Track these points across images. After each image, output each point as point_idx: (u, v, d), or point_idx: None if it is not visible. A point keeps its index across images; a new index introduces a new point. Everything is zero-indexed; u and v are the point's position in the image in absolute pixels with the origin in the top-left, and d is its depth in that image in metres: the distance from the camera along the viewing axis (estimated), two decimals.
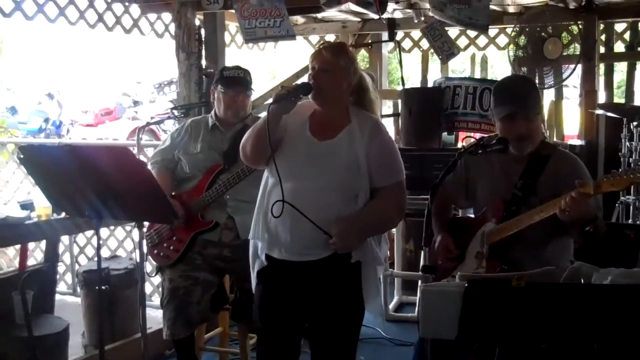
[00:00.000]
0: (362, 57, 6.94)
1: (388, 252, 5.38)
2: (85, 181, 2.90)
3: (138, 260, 3.14)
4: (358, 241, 2.94)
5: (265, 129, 2.83)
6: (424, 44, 6.23)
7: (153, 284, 5.63)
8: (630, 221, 5.15)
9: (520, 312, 2.08)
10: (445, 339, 2.24)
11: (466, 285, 2.10)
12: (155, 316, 4.56)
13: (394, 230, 5.71)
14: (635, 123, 5.05)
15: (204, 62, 5.30)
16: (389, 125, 7.25)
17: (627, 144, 5.15)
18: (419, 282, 2.47)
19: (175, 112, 4.48)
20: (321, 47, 3.06)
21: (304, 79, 3.12)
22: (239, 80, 3.81)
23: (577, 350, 2.13)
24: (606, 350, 2.08)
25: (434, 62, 6.52)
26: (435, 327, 2.25)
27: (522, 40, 5.24)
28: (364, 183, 2.93)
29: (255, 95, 4.53)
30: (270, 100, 2.90)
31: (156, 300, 5.21)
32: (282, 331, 3.08)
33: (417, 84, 6.43)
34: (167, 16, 5.90)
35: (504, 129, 2.98)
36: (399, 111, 5.69)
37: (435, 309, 2.22)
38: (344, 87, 2.99)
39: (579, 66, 5.30)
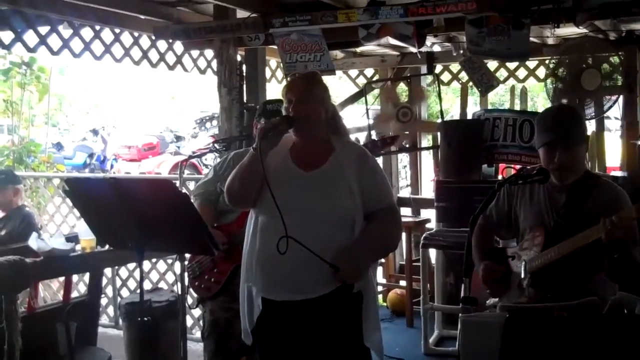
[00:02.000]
0: (401, 90, 6.96)
1: (428, 285, 5.41)
2: (127, 213, 2.94)
3: (179, 292, 3.17)
4: (364, 268, 2.89)
5: (257, 163, 2.76)
6: (463, 76, 6.23)
7: (194, 317, 5.66)
8: None
9: (563, 343, 2.06)
10: None
11: (507, 315, 2.08)
12: (196, 349, 4.58)
13: (434, 262, 5.69)
14: None
15: (245, 97, 5.37)
16: (428, 157, 7.26)
17: None
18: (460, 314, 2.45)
19: (217, 146, 4.53)
20: (293, 78, 3.05)
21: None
22: (280, 113, 3.85)
23: None
24: None
25: (474, 94, 6.54)
26: (476, 358, 2.23)
27: (561, 72, 5.21)
28: (359, 209, 2.88)
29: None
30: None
31: (197, 333, 5.24)
32: None
33: (456, 116, 6.43)
34: (209, 52, 6.02)
35: (544, 157, 2.98)
36: (438, 144, 5.69)
37: (476, 340, 2.21)
38: (323, 115, 2.96)
39: (620, 97, 5.25)
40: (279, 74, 6.83)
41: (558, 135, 2.93)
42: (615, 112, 5.75)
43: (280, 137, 2.88)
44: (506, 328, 2.07)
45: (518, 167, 5.12)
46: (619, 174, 5.36)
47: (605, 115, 5.53)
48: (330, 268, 2.75)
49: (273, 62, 6.64)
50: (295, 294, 2.84)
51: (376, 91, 6.72)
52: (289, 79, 3.00)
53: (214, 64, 5.59)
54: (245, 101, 5.33)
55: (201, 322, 4.02)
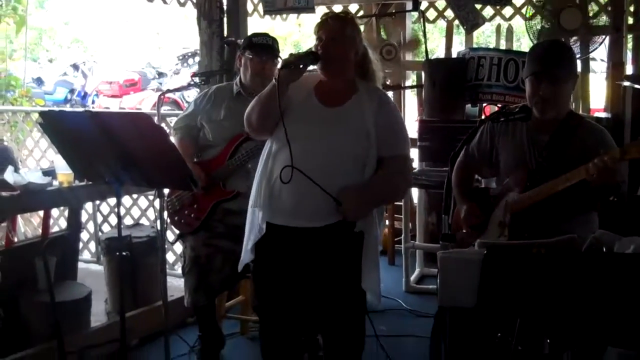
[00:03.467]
0: (383, 27, 6.86)
1: (410, 224, 5.44)
2: (105, 147, 2.91)
3: (159, 227, 3.16)
4: (367, 210, 2.92)
5: (275, 94, 2.81)
6: (449, 14, 6.14)
7: (176, 253, 5.66)
8: None
9: (541, 281, 2.06)
10: (464, 306, 2.22)
11: (485, 252, 2.08)
12: (177, 285, 4.58)
13: (416, 201, 5.70)
14: None
15: (225, 31, 5.27)
16: (412, 97, 7.21)
17: None
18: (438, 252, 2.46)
19: (196, 80, 4.46)
20: (327, 17, 3.03)
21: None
22: (267, 47, 3.78)
23: (599, 319, 2.11)
24: (626, 318, 2.06)
25: (460, 34, 6.43)
26: (454, 295, 2.24)
27: (547, 10, 5.14)
28: (372, 152, 2.90)
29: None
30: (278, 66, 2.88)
31: (179, 268, 5.25)
32: (284, 308, 3.05)
33: (442, 56, 6.36)
34: None
35: (529, 88, 2.97)
36: (423, 83, 5.64)
37: (454, 277, 2.20)
38: (352, 56, 2.97)
39: (607, 38, 5.20)
40: (262, 8, 6.69)
41: (545, 67, 2.91)
42: (601, 53, 5.71)
43: (301, 72, 2.89)
44: (484, 265, 2.07)
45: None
46: (603, 115, 5.34)
47: (591, 57, 5.49)
48: (333, 202, 2.80)
49: None
50: (296, 221, 2.89)
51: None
52: (322, 17, 2.99)
53: None
54: (225, 35, 5.23)
55: (182, 258, 4.01)
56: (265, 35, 3.84)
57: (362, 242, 2.93)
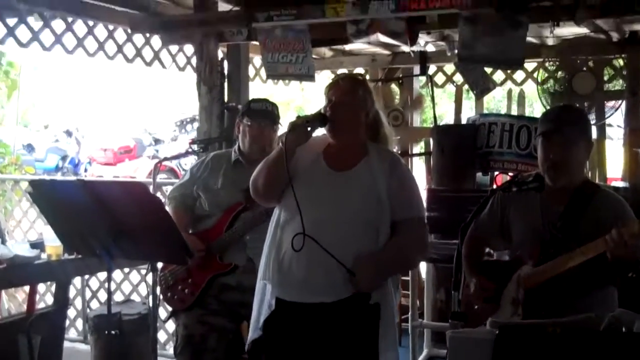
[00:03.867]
0: (393, 92, 6.95)
1: (417, 301, 5.39)
2: (97, 218, 2.94)
3: (151, 304, 3.14)
4: (382, 279, 2.91)
5: (282, 158, 2.83)
6: (458, 78, 6.23)
7: (168, 332, 5.61)
8: None
9: None
10: None
11: (497, 332, 2.06)
12: None
13: (424, 277, 5.67)
14: None
15: (226, 96, 5.34)
16: (420, 165, 7.24)
17: None
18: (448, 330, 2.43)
19: (194, 147, 4.50)
20: (338, 78, 3.08)
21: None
22: (266, 113, 3.83)
23: None
24: None
25: (470, 99, 6.53)
26: None
27: (559, 74, 5.21)
28: (385, 216, 2.92)
29: (281, 130, 4.55)
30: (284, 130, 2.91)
31: (170, 348, 5.19)
32: None
33: (451, 121, 6.42)
34: (189, 48, 5.98)
35: (540, 152, 2.99)
36: (431, 150, 5.67)
37: (465, 358, 2.18)
38: (362, 119, 3.01)
39: (623, 103, 5.25)
40: (264, 73, 6.79)
41: (556, 126, 2.92)
42: (618, 119, 5.76)
43: (309, 134, 2.93)
44: (496, 345, 2.05)
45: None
46: (620, 184, 5.36)
47: (607, 123, 5.54)
48: (346, 272, 2.80)
49: (257, 60, 6.59)
50: (308, 296, 2.89)
51: None
52: (333, 78, 3.04)
53: (194, 60, 5.55)
54: (226, 101, 5.30)
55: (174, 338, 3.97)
56: (265, 101, 3.90)
57: (379, 315, 2.92)
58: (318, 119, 2.96)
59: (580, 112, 3.24)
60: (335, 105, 2.96)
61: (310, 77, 4.92)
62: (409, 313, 5.31)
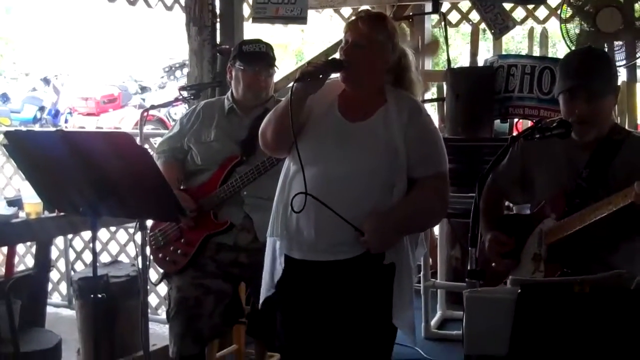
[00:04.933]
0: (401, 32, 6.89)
1: (430, 259, 5.41)
2: (80, 173, 2.92)
3: (141, 266, 3.15)
4: (394, 239, 2.91)
5: (288, 110, 2.81)
6: (474, 16, 6.16)
7: (159, 295, 5.65)
8: None
9: (583, 323, 2.04)
10: (495, 355, 2.20)
11: (519, 291, 2.06)
12: (161, 332, 4.59)
13: (437, 233, 5.68)
14: None
15: (218, 38, 5.30)
16: (432, 112, 7.21)
17: None
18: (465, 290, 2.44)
19: (184, 94, 4.47)
20: (358, 16, 3.03)
21: (336, 55, 3.09)
22: (260, 55, 3.80)
23: None
24: None
25: (486, 39, 6.46)
26: (482, 341, 2.22)
27: (587, 9, 5.14)
28: (402, 172, 2.90)
29: (278, 75, 4.52)
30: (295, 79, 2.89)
31: (163, 313, 5.22)
32: (311, 347, 3.04)
33: (466, 64, 6.37)
34: None
35: (563, 107, 2.96)
36: (444, 95, 5.64)
37: (483, 320, 2.18)
38: (380, 66, 2.97)
39: None
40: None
41: (580, 82, 2.89)
42: None
43: (321, 83, 2.89)
44: (518, 305, 2.05)
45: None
46: None
47: (638, 64, 5.49)
48: (354, 231, 2.80)
49: None
50: (317, 254, 2.91)
51: None
52: (353, 16, 2.98)
53: None
54: (218, 43, 5.26)
55: (167, 301, 4.00)
56: (258, 41, 3.86)
57: (393, 276, 2.93)
58: (331, 65, 2.93)
59: (606, 57, 3.18)
60: (351, 48, 2.92)
61: (301, 20, 4.88)
62: (421, 272, 5.31)
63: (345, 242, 2.86)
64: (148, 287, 3.48)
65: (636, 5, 5.20)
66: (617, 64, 5.16)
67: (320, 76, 2.87)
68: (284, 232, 2.96)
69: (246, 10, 5.93)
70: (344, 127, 2.95)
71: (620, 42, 5.14)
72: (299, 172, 2.84)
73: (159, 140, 4.28)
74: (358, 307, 2.92)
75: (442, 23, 5.94)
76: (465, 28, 6.68)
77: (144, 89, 17.79)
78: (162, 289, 5.26)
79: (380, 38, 2.94)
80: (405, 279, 2.97)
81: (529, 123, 5.10)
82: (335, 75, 2.97)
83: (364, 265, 2.89)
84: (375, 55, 2.94)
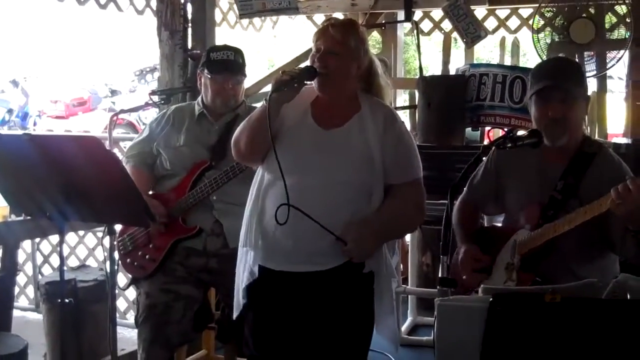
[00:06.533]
0: (374, 41, 6.89)
1: (401, 265, 5.42)
2: (47, 176, 2.91)
3: (109, 270, 3.12)
4: (375, 247, 2.91)
5: (265, 119, 2.79)
6: (446, 25, 6.18)
7: (128, 299, 5.60)
8: None
9: (555, 332, 2.03)
10: None
11: (491, 299, 2.05)
12: (129, 336, 4.54)
13: (408, 240, 5.68)
14: None
15: (190, 43, 5.27)
16: (404, 119, 7.24)
17: None
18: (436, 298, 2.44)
19: (155, 99, 4.44)
20: (328, 24, 3.02)
21: (307, 62, 3.09)
22: (228, 64, 3.79)
23: None
24: None
25: (458, 48, 6.47)
26: (453, 349, 2.21)
27: (557, 21, 5.19)
28: (378, 179, 2.90)
29: (250, 80, 4.50)
30: (269, 89, 2.88)
31: (131, 318, 5.17)
32: (282, 357, 3.03)
33: (438, 72, 6.39)
34: None
35: (536, 111, 2.97)
36: (416, 103, 5.65)
37: (454, 328, 2.17)
38: (353, 71, 2.97)
39: (626, 53, 5.24)
40: (232, 17, 6.71)
41: (555, 82, 2.91)
42: (619, 71, 5.75)
43: (297, 91, 2.88)
44: (490, 314, 2.04)
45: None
46: (622, 140, 5.37)
47: (608, 74, 5.53)
48: (336, 240, 2.80)
49: (224, 2, 6.53)
50: (296, 265, 2.89)
51: None
52: (323, 23, 2.97)
53: (154, 2, 5.46)
54: (189, 47, 5.24)
55: (135, 306, 3.96)
56: (225, 48, 3.84)
57: (373, 284, 2.94)
58: (306, 73, 2.91)
59: (577, 64, 3.23)
60: (324, 56, 2.91)
61: (292, 10, 4.86)
62: None
63: (324, 253, 2.85)
64: (116, 292, 3.45)
65: (607, 17, 5.25)
66: (588, 74, 5.20)
67: (296, 85, 2.85)
68: (259, 243, 2.94)
69: (218, 15, 5.93)
70: (319, 134, 2.95)
71: (591, 53, 5.19)
72: (276, 182, 2.83)
73: (128, 144, 4.24)
74: (338, 317, 2.91)
75: (415, 31, 5.96)
76: (438, 37, 6.69)
77: (114, 92, 17.74)
78: (131, 293, 5.24)
79: (353, 44, 2.94)
80: (385, 286, 2.98)
81: (500, 132, 5.11)
82: (308, 83, 2.96)
83: (344, 275, 2.88)
84: (349, 61, 2.94)
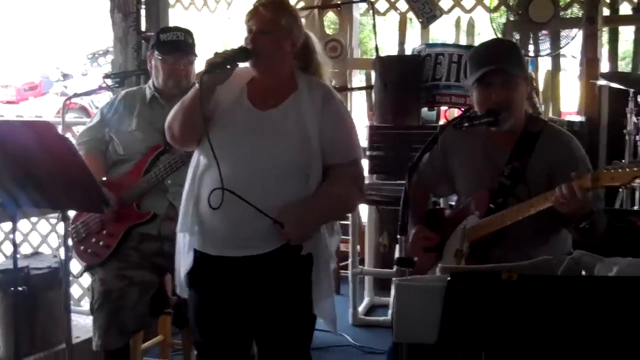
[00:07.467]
0: (329, 21, 6.87)
1: (358, 246, 5.44)
2: None
3: (63, 257, 3.09)
4: (313, 229, 2.90)
5: (198, 102, 2.78)
6: (402, 6, 6.19)
7: (83, 287, 5.54)
8: (636, 207, 5.15)
9: (512, 310, 2.05)
10: (424, 343, 2.20)
11: (449, 278, 2.06)
12: (84, 324, 4.50)
13: (365, 220, 5.70)
14: None
15: (143, 25, 5.22)
16: (361, 100, 7.24)
17: (634, 119, 5.12)
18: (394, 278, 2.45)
19: (108, 82, 4.39)
20: (258, 4, 2.98)
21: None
22: (178, 44, 3.76)
23: (577, 353, 2.11)
24: (610, 352, 2.06)
25: (414, 28, 6.49)
26: (411, 329, 2.22)
27: (513, 0, 5.23)
28: (316, 160, 2.88)
29: (202, 63, 4.46)
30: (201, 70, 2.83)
31: (86, 305, 5.13)
32: (227, 343, 3.05)
33: (394, 53, 6.40)
34: None
35: (479, 97, 2.95)
36: (372, 84, 5.66)
37: (412, 308, 2.18)
38: (288, 49, 2.94)
39: (580, 32, 5.30)
40: None
41: (495, 67, 2.90)
42: (573, 49, 5.81)
43: (229, 72, 2.83)
44: (447, 293, 2.05)
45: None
46: (576, 118, 5.44)
47: (561, 53, 5.59)
48: (273, 224, 2.77)
49: None
50: (233, 250, 2.87)
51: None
52: (253, 5, 2.93)
53: None
54: (143, 30, 5.18)
55: (90, 293, 3.93)
56: (175, 29, 3.81)
57: (312, 266, 2.93)
58: (238, 54, 2.87)
59: (514, 45, 3.23)
60: (256, 35, 2.87)
61: None
62: (349, 260, 5.34)
63: (262, 236, 2.84)
64: (70, 279, 3.42)
65: None
66: (542, 53, 5.26)
67: (228, 66, 2.82)
68: (195, 228, 2.93)
69: None
70: (255, 115, 2.92)
71: (546, 32, 5.24)
72: (212, 166, 2.80)
73: (81, 128, 4.19)
74: (277, 300, 2.91)
75: (370, 12, 5.96)
76: (394, 17, 6.70)
77: (66, 76, 17.46)
78: (85, 280, 5.17)
79: (284, 22, 2.91)
80: (322, 268, 2.97)
81: (456, 112, 5.14)
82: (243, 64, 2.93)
83: (282, 258, 2.88)
84: (282, 39, 2.91)
